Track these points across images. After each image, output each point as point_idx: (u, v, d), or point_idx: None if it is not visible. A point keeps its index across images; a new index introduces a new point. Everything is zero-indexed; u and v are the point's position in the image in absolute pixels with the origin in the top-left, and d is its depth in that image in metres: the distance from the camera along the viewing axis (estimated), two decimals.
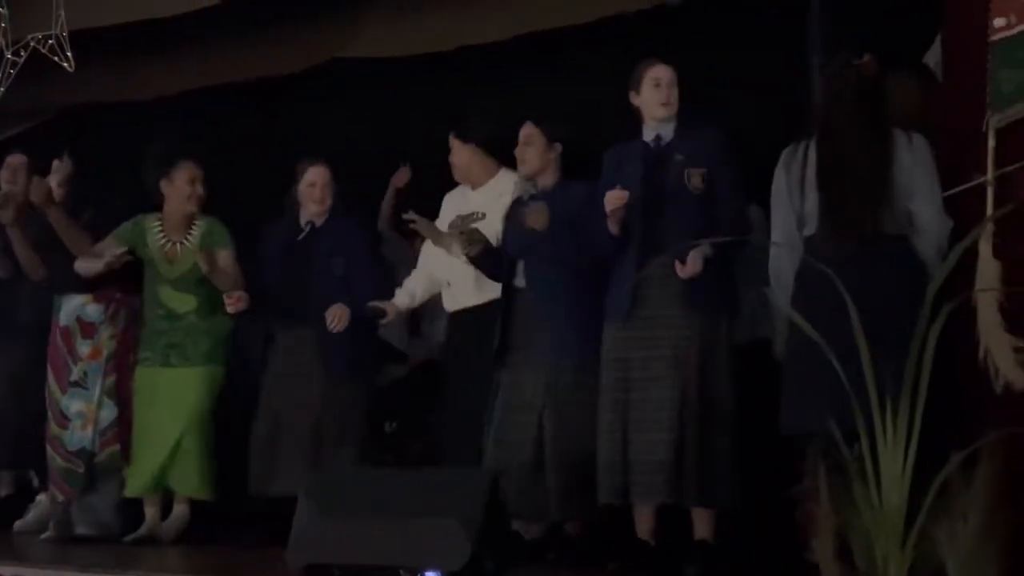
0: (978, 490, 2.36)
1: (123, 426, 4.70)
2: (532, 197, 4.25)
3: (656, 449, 3.73)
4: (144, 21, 5.14)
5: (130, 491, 4.61)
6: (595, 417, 3.93)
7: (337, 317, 4.46)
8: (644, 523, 3.84)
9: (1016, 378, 2.95)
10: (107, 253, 4.58)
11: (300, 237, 4.64)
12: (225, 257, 4.61)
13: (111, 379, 4.73)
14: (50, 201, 4.69)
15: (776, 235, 3.51)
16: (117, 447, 4.69)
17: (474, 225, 4.37)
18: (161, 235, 4.68)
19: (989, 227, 3.07)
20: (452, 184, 4.67)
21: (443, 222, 4.56)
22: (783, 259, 3.49)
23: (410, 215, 4.38)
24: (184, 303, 4.65)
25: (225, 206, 4.79)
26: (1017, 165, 3.07)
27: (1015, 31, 3.11)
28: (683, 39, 4.76)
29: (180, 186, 4.65)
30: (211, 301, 4.62)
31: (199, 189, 4.68)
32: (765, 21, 4.79)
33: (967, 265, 3.04)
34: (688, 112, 3.97)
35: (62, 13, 4.44)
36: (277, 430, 4.59)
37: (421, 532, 2.87)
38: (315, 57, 5.29)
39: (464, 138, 4.52)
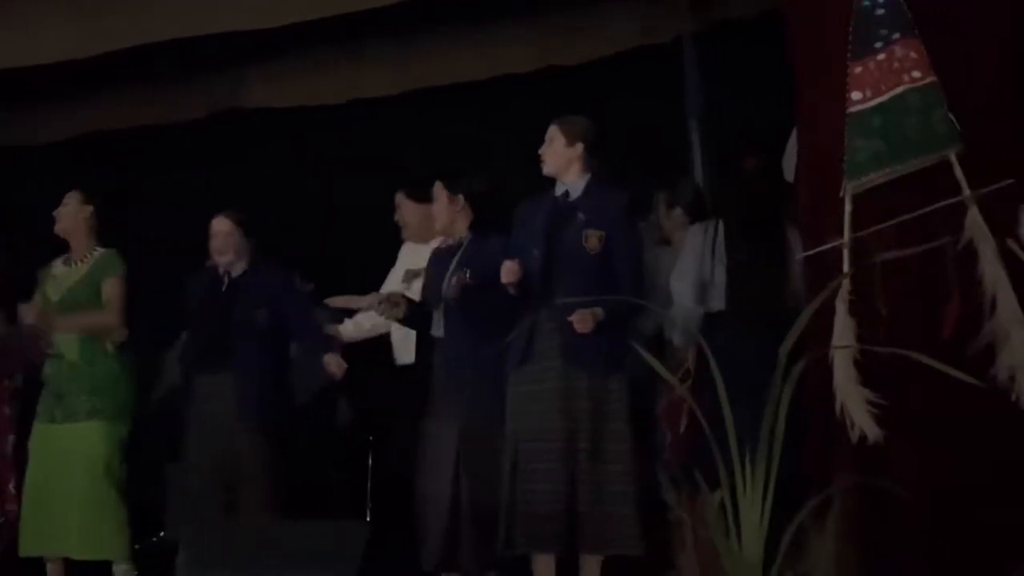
0: (829, 536, 2.51)
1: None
2: (448, 248, 4.37)
3: (542, 500, 3.82)
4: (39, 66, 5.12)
5: (22, 550, 4.52)
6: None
7: None
8: (542, 573, 3.92)
9: (870, 430, 3.12)
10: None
11: (223, 288, 4.65)
12: (111, 284, 4.60)
13: None
14: None
15: (681, 296, 4.07)
16: None
17: (414, 280, 4.48)
18: (60, 262, 4.70)
19: (845, 287, 3.27)
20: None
21: (397, 273, 4.70)
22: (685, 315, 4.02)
23: (330, 300, 4.48)
24: (67, 341, 4.58)
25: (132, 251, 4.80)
26: (871, 230, 3.26)
27: (869, 104, 3.32)
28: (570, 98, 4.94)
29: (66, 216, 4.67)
30: (92, 338, 4.58)
31: (84, 218, 4.66)
32: (648, 81, 5.03)
33: (828, 323, 3.24)
34: (601, 171, 4.11)
35: None
36: (194, 477, 4.53)
37: None
38: (209, 107, 5.34)
39: (416, 198, 4.61)
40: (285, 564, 2.96)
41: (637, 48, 4.87)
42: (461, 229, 4.39)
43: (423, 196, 4.62)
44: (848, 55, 3.34)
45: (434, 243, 4.61)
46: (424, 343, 4.36)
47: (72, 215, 4.68)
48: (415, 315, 4.31)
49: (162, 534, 4.59)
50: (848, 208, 3.34)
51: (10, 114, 5.50)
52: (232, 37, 4.73)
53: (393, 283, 4.71)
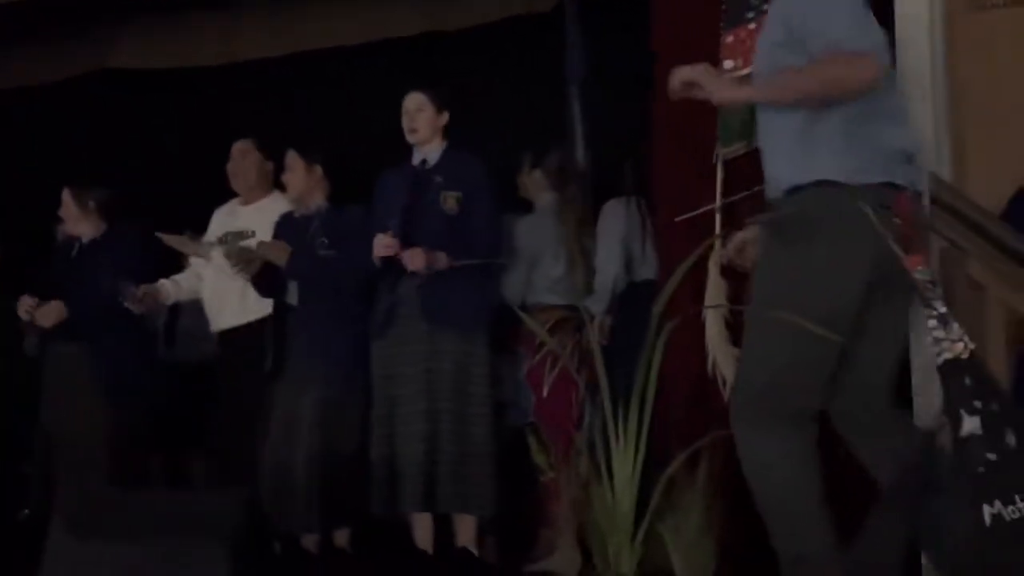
0: (699, 488, 2.60)
1: None
2: (303, 217, 4.35)
3: (413, 460, 3.90)
4: None
5: None
6: (362, 431, 4.08)
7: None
8: (421, 532, 3.98)
9: None
10: None
11: (73, 255, 4.65)
12: None
13: None
14: None
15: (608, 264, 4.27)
16: None
17: (244, 243, 4.42)
18: None
19: (717, 249, 3.37)
20: (215, 198, 4.71)
21: (211, 236, 4.60)
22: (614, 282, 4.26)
23: (161, 235, 4.43)
24: None
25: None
26: (741, 195, 3.37)
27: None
28: (450, 64, 4.96)
29: None
30: None
31: None
32: (526, 48, 5.06)
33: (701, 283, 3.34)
34: (458, 137, 4.15)
35: None
36: (50, 447, 4.52)
37: (178, 556, 2.87)
38: (81, 67, 5.19)
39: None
40: (166, 533, 2.92)
41: (520, 16, 4.89)
42: (318, 199, 4.39)
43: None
44: (720, 24, 3.43)
45: (256, 205, 4.59)
46: (277, 308, 4.35)
47: None
48: (268, 277, 4.29)
49: (26, 511, 4.48)
50: (720, 174, 3.45)
51: None
52: None
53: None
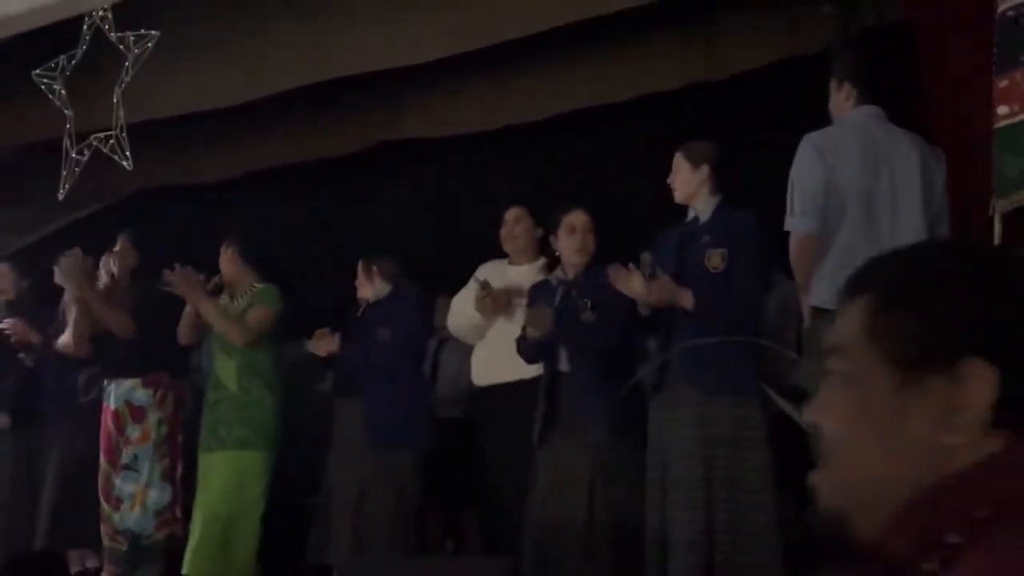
0: None
1: (176, 508, 4.89)
2: (561, 283, 4.37)
3: (685, 529, 3.76)
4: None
5: (185, 569, 4.72)
6: (642, 495, 4.02)
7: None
8: None
9: None
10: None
11: (360, 313, 4.93)
12: (259, 312, 4.80)
13: (165, 462, 4.91)
14: (86, 282, 4.98)
15: None
16: (174, 528, 4.87)
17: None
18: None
19: None
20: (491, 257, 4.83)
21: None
22: None
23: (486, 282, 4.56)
24: (227, 370, 4.79)
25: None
26: None
27: (1017, 119, 3.14)
28: (714, 118, 4.85)
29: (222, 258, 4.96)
30: (250, 369, 4.78)
31: (236, 258, 4.91)
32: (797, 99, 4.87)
33: None
34: (733, 193, 4.06)
35: (121, 114, 4.60)
36: (330, 500, 4.72)
37: None
38: (363, 141, 5.50)
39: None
40: None
41: (785, 59, 4.73)
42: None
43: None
44: (992, 68, 3.18)
45: (523, 268, 4.67)
46: (548, 373, 4.32)
47: (226, 261, 4.95)
48: (538, 345, 4.31)
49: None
50: (998, 228, 3.17)
51: (175, 155, 5.79)
52: (384, 73, 4.84)
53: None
